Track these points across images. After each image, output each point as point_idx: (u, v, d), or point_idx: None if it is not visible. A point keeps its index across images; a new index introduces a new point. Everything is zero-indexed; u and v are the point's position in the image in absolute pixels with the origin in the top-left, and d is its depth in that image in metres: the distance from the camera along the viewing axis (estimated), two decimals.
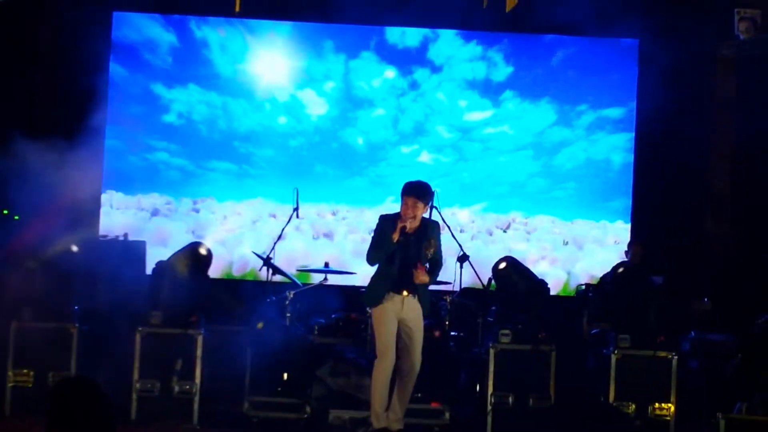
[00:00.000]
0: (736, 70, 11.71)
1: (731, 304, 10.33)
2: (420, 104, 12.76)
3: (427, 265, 8.64)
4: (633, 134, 12.45)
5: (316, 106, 12.73)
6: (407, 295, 8.57)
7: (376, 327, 8.67)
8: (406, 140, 12.75)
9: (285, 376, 9.73)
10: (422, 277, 8.53)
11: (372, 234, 8.81)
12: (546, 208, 12.65)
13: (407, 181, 8.68)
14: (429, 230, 8.63)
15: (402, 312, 8.58)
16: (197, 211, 12.67)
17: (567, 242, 12.56)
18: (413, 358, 8.61)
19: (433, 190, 8.83)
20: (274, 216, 12.52)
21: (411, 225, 8.52)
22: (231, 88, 12.68)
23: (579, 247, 12.52)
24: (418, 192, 8.56)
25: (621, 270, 10.35)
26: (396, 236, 8.46)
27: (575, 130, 12.61)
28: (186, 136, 12.69)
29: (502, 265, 10.21)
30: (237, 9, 10.66)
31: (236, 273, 12.40)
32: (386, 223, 8.62)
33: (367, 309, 9.31)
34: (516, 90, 12.63)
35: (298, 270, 11.12)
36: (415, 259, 8.53)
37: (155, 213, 12.58)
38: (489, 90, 12.65)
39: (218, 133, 12.75)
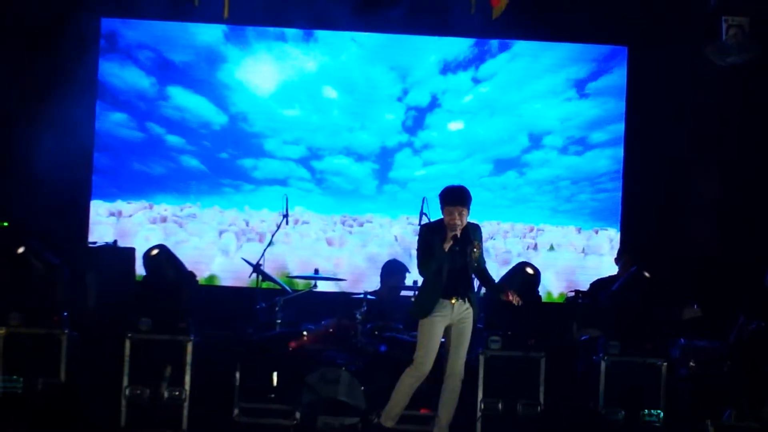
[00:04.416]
0: (724, 77, 11.73)
1: (721, 311, 10.34)
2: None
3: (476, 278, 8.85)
4: (622, 141, 12.42)
5: None
6: (456, 301, 8.64)
7: (421, 337, 8.70)
8: None
9: (274, 380, 9.77)
10: (515, 298, 8.69)
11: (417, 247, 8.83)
12: (532, 215, 12.58)
13: (445, 188, 8.72)
14: (471, 234, 8.68)
15: (452, 317, 8.66)
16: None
17: (553, 247, 12.52)
18: (455, 361, 8.70)
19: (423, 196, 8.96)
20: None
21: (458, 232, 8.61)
22: None
23: (567, 254, 12.49)
24: (462, 200, 8.62)
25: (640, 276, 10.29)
26: (447, 245, 8.52)
27: (546, 153, 12.54)
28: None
29: (155, 252, 10.02)
30: (225, 15, 10.71)
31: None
32: (430, 233, 8.71)
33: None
34: (487, 123, 12.56)
35: (288, 277, 11.13)
36: (462, 265, 8.62)
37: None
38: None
39: None
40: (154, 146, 12.43)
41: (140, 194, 12.38)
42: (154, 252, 9.87)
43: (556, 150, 12.55)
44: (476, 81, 12.54)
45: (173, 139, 12.42)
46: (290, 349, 9.87)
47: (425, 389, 9.26)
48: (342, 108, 12.52)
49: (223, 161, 12.45)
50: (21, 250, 9.63)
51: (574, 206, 12.56)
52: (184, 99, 12.42)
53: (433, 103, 12.52)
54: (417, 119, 12.51)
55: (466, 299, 8.69)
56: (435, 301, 8.63)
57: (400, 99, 12.51)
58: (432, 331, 8.64)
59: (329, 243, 12.41)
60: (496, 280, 9.32)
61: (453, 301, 8.64)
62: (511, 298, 8.70)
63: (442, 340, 8.79)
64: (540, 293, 10.15)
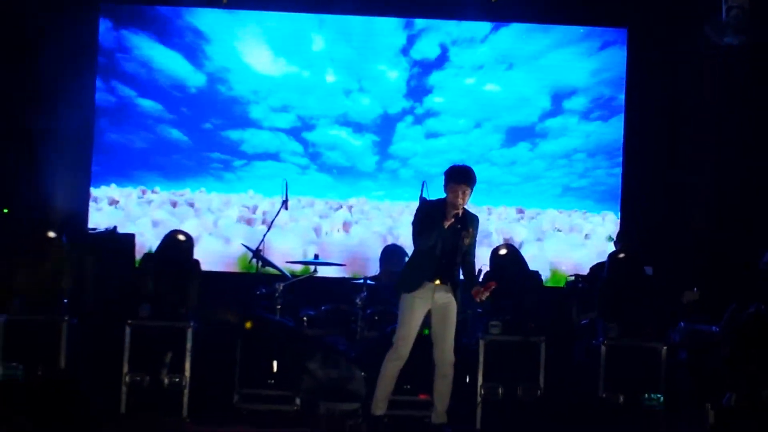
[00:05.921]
0: (724, 61, 11.69)
1: (721, 294, 10.33)
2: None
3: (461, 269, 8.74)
4: (622, 123, 12.36)
5: None
6: (439, 284, 8.60)
7: (401, 314, 8.68)
8: None
9: (274, 367, 9.78)
10: (483, 295, 8.57)
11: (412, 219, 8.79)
12: (533, 198, 12.48)
13: (452, 166, 8.69)
14: (467, 221, 8.64)
15: (433, 299, 8.62)
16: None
17: (559, 230, 12.47)
18: (443, 347, 8.67)
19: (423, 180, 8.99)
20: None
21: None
22: None
23: (567, 238, 12.46)
24: (468, 179, 8.58)
25: (618, 258, 10.25)
26: (448, 223, 8.50)
27: (566, 119, 12.37)
28: None
29: (503, 252, 10.16)
30: (224, 0, 10.68)
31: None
32: (429, 207, 8.69)
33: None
34: (503, 80, 12.29)
35: (287, 262, 11.13)
36: (452, 249, 8.56)
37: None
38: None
39: None
40: (128, 113, 11.93)
41: (128, 175, 12.06)
42: (181, 237, 9.91)
43: (578, 115, 12.19)
44: (494, 24, 11.94)
45: (147, 104, 11.90)
46: (249, 327, 9.81)
47: (424, 374, 9.28)
48: (337, 63, 11.97)
49: (207, 132, 12.00)
50: (52, 234, 9.66)
51: (589, 182, 12.32)
52: (149, 50, 11.84)
53: (443, 57, 11.99)
54: (423, 77, 11.95)
55: (449, 284, 8.64)
56: (422, 277, 8.59)
57: (404, 51, 12.01)
58: (411, 311, 8.59)
59: (328, 227, 12.33)
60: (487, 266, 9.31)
61: (436, 282, 8.60)
62: (478, 296, 8.57)
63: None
64: (534, 270, 10.25)
